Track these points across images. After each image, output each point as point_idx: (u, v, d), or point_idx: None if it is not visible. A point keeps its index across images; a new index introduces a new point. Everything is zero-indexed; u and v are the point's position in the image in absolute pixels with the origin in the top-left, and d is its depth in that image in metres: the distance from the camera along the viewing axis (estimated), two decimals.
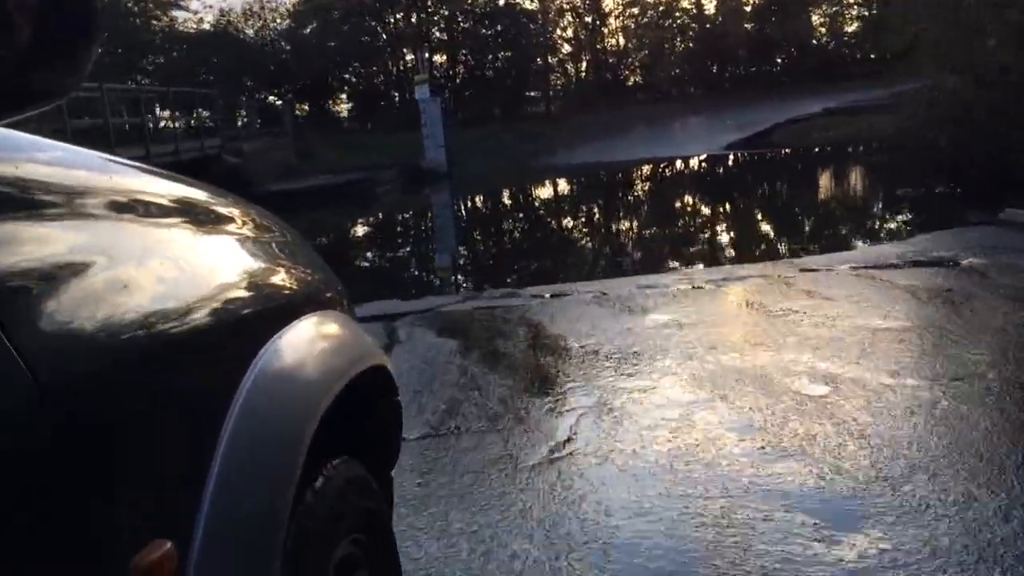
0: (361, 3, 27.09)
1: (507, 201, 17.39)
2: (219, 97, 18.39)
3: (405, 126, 22.00)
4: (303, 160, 19.54)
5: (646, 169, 20.95)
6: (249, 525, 0.79)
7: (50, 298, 0.62)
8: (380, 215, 16.51)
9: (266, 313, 0.98)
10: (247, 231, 1.11)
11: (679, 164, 21.49)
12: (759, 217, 11.87)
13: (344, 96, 30.87)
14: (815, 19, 42.79)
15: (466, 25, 31.05)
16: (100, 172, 0.84)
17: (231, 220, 1.08)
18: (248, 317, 0.93)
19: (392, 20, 30.44)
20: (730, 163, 20.65)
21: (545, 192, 18.51)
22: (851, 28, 43.61)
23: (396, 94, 27.87)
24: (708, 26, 40.49)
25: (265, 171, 17.26)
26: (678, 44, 40.73)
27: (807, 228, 10.23)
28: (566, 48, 38.83)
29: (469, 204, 17.46)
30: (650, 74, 39.97)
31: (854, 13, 42.92)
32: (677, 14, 40.53)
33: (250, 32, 26.41)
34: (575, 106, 35.67)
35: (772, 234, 10.01)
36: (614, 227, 11.79)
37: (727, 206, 13.24)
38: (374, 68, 30.80)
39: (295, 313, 1.03)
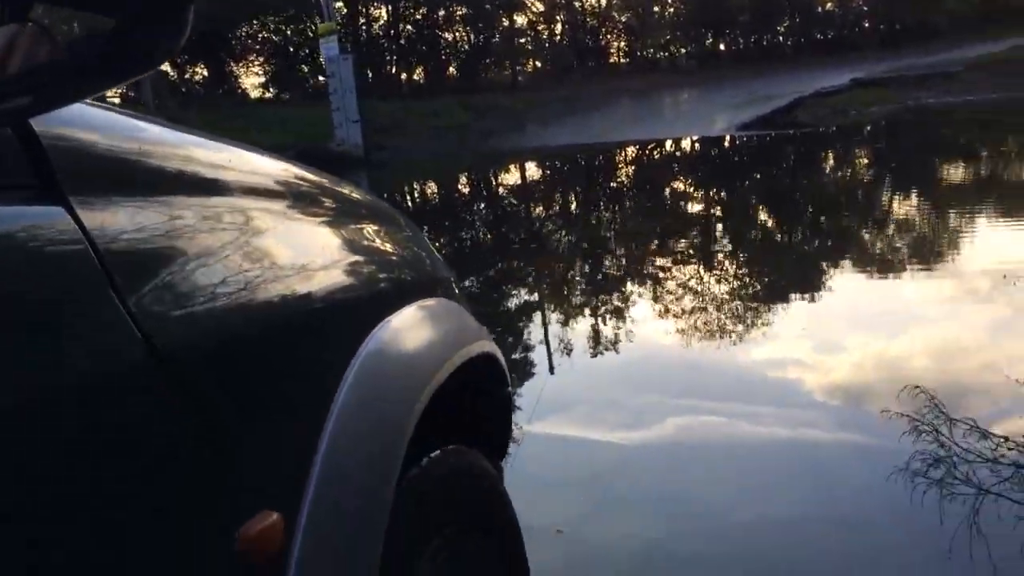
0: None
1: (437, 213, 12.47)
2: None
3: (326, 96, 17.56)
4: None
5: (650, 156, 16.73)
6: (356, 500, 0.83)
7: (166, 269, 0.66)
8: None
9: (378, 297, 1.03)
10: (364, 218, 1.17)
11: (692, 150, 17.31)
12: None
13: (259, 59, 26.16)
14: None
15: None
16: (218, 152, 0.88)
17: (350, 207, 1.16)
18: (360, 300, 0.98)
19: None
20: (766, 150, 16.25)
21: (505, 196, 13.49)
22: None
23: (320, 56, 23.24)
24: None
25: None
26: (668, 6, 37.00)
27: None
28: (537, 6, 34.75)
29: None
30: (636, 40, 36.11)
31: None
32: None
33: None
34: (548, 76, 31.89)
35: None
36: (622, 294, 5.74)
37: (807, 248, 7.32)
38: (298, 24, 26.14)
39: (405, 298, 1.09)
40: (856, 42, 36.33)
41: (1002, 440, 2.56)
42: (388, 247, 1.20)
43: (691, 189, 11.84)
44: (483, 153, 18.23)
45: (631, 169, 15.18)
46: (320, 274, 0.91)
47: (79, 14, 0.61)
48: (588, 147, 17.87)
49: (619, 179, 13.81)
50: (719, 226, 8.60)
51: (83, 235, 0.59)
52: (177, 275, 0.67)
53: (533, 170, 16.08)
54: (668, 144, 17.81)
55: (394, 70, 28.75)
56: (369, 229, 1.17)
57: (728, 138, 17.67)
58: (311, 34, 26.09)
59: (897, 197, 9.52)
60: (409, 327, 1.04)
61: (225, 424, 0.69)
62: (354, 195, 1.23)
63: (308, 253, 0.91)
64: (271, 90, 26.19)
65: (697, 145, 17.56)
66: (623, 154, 16.79)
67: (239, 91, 25.43)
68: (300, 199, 1.00)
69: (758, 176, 12.82)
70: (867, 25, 39.61)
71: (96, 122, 0.72)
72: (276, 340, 0.78)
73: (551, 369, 4.02)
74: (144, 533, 0.60)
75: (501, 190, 13.84)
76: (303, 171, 1.09)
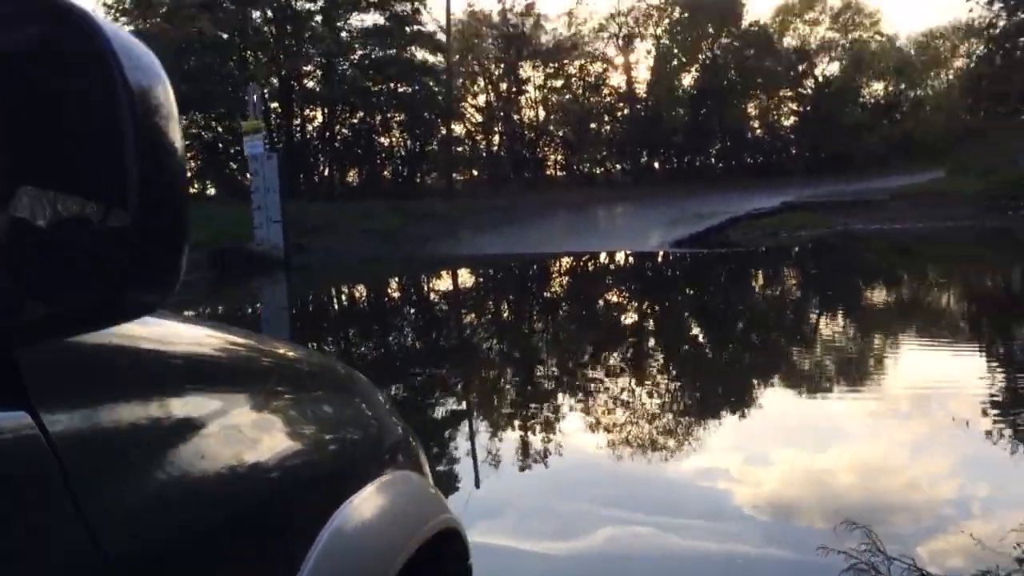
0: (216, 39, 23.06)
1: (362, 319, 12.53)
2: None
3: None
4: None
5: (585, 268, 17.16)
6: None
7: (122, 468, 0.69)
8: None
9: (337, 478, 1.06)
10: (322, 390, 1.21)
11: (626, 264, 17.85)
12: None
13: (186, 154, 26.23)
14: (750, 110, 42.45)
15: (349, 71, 27.23)
16: (177, 334, 0.92)
17: (301, 381, 1.18)
18: (318, 484, 1.01)
19: (251, 60, 26.37)
20: (699, 267, 16.86)
21: (433, 309, 13.02)
22: (788, 122, 43.53)
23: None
24: (639, 107, 38.85)
25: None
26: (606, 124, 38.78)
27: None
28: (476, 117, 36.01)
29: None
30: (573, 155, 37.59)
31: (793, 107, 42.77)
32: (605, 92, 38.64)
33: None
34: (485, 185, 32.74)
35: None
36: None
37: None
38: (229, 122, 26.41)
39: (367, 476, 1.11)
40: (783, 167, 38.40)
41: None
42: (344, 421, 1.23)
43: (624, 302, 12.14)
44: (418, 258, 18.38)
45: (565, 280, 15.53)
46: (277, 462, 0.94)
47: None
48: (524, 257, 18.25)
49: (553, 290, 14.09)
50: (651, 340, 8.82)
51: (44, 437, 0.62)
52: (131, 475, 0.70)
53: (467, 277, 16.29)
54: (603, 257, 18.33)
55: (327, 172, 29.14)
56: (323, 405, 1.19)
57: (662, 254, 18.30)
58: (241, 131, 26.49)
59: (825, 318, 9.95)
60: (369, 509, 1.06)
61: None
62: (305, 364, 1.25)
63: (265, 440, 0.94)
64: (196, 186, 26.22)
65: (631, 260, 18.13)
66: (558, 265, 17.19)
67: None
68: (255, 380, 1.03)
69: (690, 292, 13.27)
70: (794, 152, 42.04)
71: None
72: (233, 533, 0.80)
73: (476, 482, 4.00)
74: None
75: (433, 296, 13.95)
76: (256, 342, 1.12)
